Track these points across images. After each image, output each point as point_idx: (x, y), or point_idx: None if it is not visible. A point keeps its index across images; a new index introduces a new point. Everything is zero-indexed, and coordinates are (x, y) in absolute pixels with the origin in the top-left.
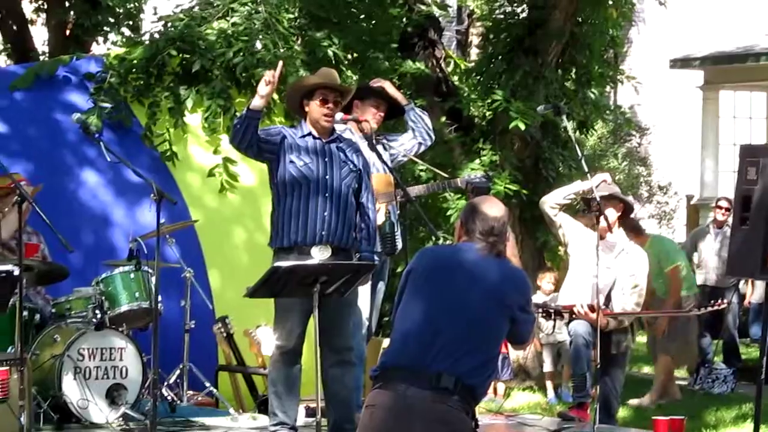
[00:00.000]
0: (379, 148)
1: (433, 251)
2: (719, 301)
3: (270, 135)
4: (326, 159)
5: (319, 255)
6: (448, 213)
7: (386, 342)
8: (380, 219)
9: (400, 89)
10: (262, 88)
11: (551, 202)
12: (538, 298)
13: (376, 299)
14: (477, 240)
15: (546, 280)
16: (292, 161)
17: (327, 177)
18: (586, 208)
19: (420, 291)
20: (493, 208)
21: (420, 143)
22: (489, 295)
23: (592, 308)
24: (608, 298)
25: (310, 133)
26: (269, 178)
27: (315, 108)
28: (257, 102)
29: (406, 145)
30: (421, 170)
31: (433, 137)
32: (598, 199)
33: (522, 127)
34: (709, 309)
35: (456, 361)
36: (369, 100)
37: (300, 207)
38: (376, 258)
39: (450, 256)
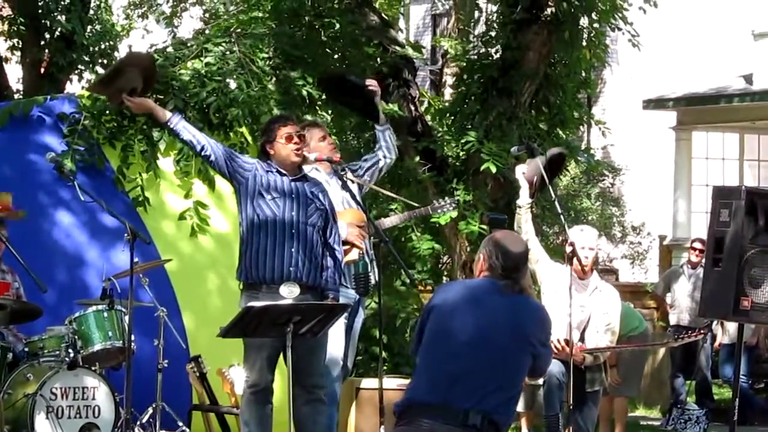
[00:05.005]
0: (352, 184)
1: (456, 287)
2: (696, 331)
3: (245, 161)
4: (293, 196)
5: (288, 292)
6: (415, 249)
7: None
8: (354, 257)
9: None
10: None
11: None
12: None
13: (352, 339)
14: (500, 276)
15: None
16: (261, 194)
17: (293, 214)
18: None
19: (444, 327)
20: (515, 244)
21: (385, 156)
22: (514, 332)
23: (567, 342)
24: (582, 337)
25: (277, 170)
26: (238, 203)
27: (280, 147)
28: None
29: (369, 162)
30: (392, 209)
31: (397, 154)
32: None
33: (493, 169)
34: (686, 340)
35: (483, 398)
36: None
37: (267, 245)
38: (352, 295)
39: (473, 293)
